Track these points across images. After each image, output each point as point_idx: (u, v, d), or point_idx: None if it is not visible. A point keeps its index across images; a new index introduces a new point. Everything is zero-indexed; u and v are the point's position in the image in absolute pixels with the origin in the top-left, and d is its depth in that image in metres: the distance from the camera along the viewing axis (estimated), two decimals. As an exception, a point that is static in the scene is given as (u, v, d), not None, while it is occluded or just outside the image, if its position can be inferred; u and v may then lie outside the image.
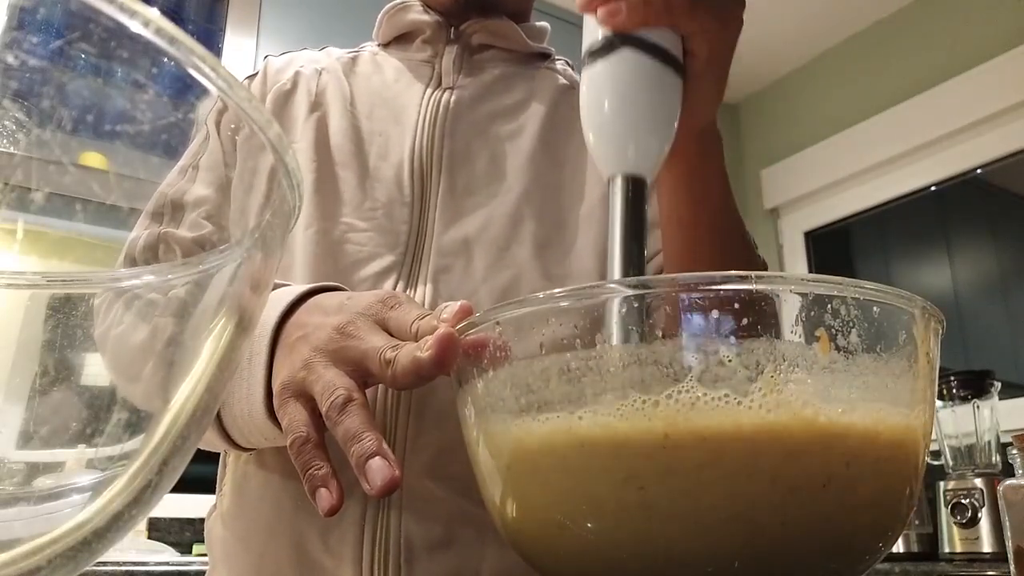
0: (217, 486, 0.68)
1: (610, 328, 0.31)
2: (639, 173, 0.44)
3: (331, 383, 0.44)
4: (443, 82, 0.73)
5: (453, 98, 0.71)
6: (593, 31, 0.46)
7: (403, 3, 0.77)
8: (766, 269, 0.68)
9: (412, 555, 0.57)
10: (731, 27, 0.49)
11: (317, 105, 0.71)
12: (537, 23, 0.80)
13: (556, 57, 0.80)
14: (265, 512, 0.60)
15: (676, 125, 0.46)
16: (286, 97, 0.72)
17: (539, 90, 0.75)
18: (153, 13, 0.18)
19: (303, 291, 0.52)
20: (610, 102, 0.45)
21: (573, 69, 0.80)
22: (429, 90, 0.72)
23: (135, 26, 0.18)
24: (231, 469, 0.65)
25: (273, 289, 0.54)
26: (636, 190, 0.44)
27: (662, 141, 0.46)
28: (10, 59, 0.20)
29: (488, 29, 0.75)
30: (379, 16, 0.78)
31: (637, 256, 0.43)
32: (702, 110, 0.51)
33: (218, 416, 0.53)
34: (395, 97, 0.72)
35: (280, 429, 0.47)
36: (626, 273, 0.42)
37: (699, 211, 0.58)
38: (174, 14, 1.97)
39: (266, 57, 0.78)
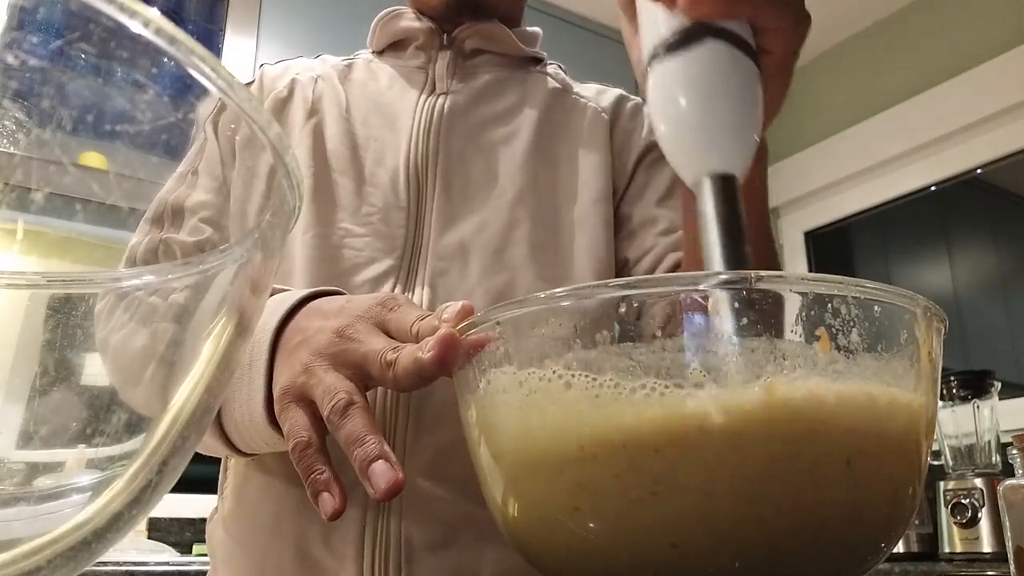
0: (219, 489, 0.68)
1: (612, 328, 0.31)
2: (730, 171, 0.40)
3: (332, 387, 0.44)
4: (437, 88, 0.74)
5: (447, 103, 0.72)
6: (659, 25, 0.43)
7: (395, 11, 0.78)
8: None
9: (413, 555, 0.57)
10: (804, 25, 0.47)
11: (313, 112, 0.72)
12: (529, 28, 0.81)
13: (548, 61, 0.81)
14: (267, 514, 0.61)
15: (762, 118, 0.43)
16: (283, 104, 0.73)
17: (532, 94, 0.75)
18: (153, 13, 0.18)
19: (302, 296, 0.52)
20: (697, 94, 0.41)
21: (565, 73, 0.81)
22: (423, 96, 0.73)
23: (135, 26, 0.18)
24: (232, 472, 0.65)
25: (273, 294, 0.55)
26: (729, 190, 0.40)
27: (753, 136, 0.42)
28: (10, 59, 0.20)
29: (481, 34, 0.76)
30: (372, 25, 0.79)
31: (744, 265, 0.38)
32: (769, 112, 0.49)
33: (219, 421, 0.53)
34: (390, 104, 0.73)
35: (281, 434, 0.47)
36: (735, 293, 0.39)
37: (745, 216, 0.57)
38: (174, 14, 1.97)
39: (262, 66, 0.79)
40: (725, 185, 0.40)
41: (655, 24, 0.43)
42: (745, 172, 0.42)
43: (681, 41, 0.42)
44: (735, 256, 0.38)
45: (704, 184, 0.40)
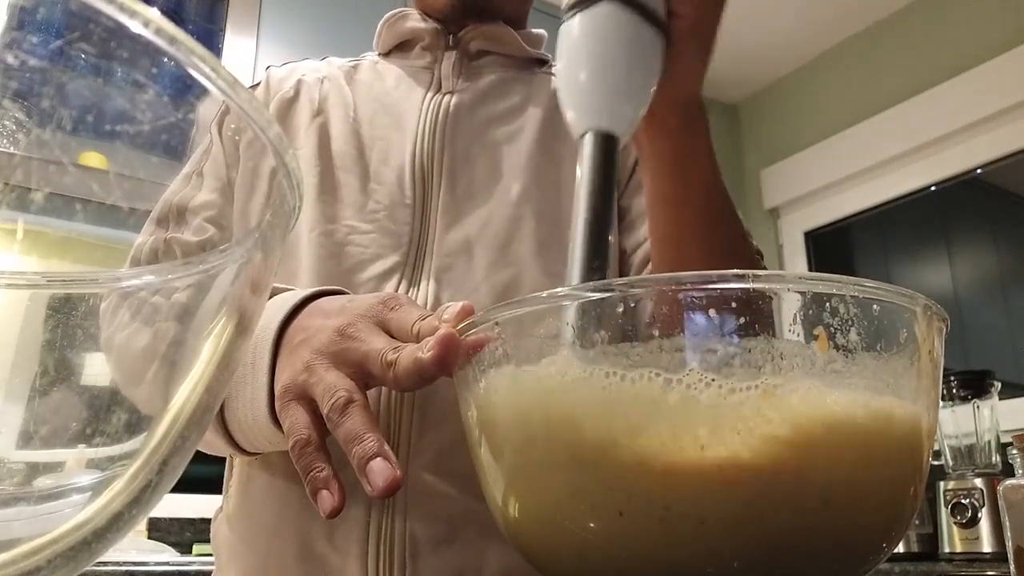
0: (223, 488, 0.68)
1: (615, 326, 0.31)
2: (611, 130, 0.42)
3: (332, 385, 0.44)
4: (443, 87, 0.75)
5: (453, 102, 0.73)
6: None
7: (402, 12, 0.79)
8: (760, 255, 0.67)
9: (417, 552, 0.57)
10: None
11: (319, 112, 0.72)
12: (534, 30, 0.82)
13: (552, 63, 0.81)
14: (271, 511, 0.61)
15: (654, 86, 0.45)
16: (289, 104, 0.73)
17: (536, 94, 0.76)
18: (153, 13, 0.18)
19: (305, 295, 0.53)
20: (586, 55, 0.44)
21: None
22: (429, 95, 0.74)
23: (135, 26, 0.18)
24: (237, 470, 0.66)
25: (276, 294, 0.55)
26: (607, 148, 0.42)
27: (639, 100, 0.44)
28: (10, 59, 0.20)
29: (486, 35, 0.76)
30: (379, 26, 0.80)
31: (604, 216, 0.41)
32: (685, 79, 0.50)
33: (223, 421, 0.54)
34: (395, 103, 0.74)
35: (283, 433, 0.47)
36: (593, 238, 0.40)
37: (686, 190, 0.56)
38: (174, 14, 1.97)
39: (268, 67, 0.79)
40: (605, 143, 0.42)
41: None
42: (628, 133, 0.44)
43: (580, 2, 0.44)
44: (599, 220, 0.40)
45: (586, 140, 0.43)
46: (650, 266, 0.64)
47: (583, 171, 0.42)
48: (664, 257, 0.59)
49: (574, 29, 0.44)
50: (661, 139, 0.54)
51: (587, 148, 0.42)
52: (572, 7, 0.45)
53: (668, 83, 0.46)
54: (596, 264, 0.40)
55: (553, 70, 0.80)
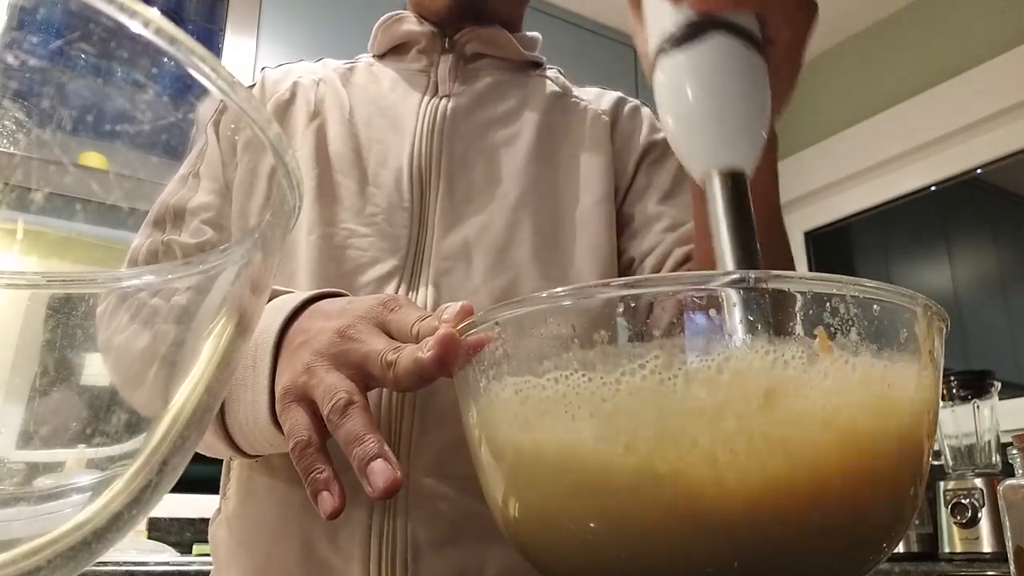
0: (221, 490, 0.68)
1: (615, 328, 0.31)
2: (738, 167, 0.40)
3: (332, 386, 0.44)
4: (439, 90, 0.75)
5: (450, 106, 0.73)
6: (665, 19, 0.43)
7: (397, 15, 0.78)
8: None
9: (419, 553, 0.57)
10: (812, 14, 0.46)
11: (316, 114, 0.72)
12: (529, 33, 0.82)
13: (547, 66, 0.81)
14: (272, 513, 0.61)
15: (769, 114, 0.42)
16: (285, 107, 0.73)
17: (532, 97, 0.76)
18: (153, 13, 0.18)
19: (305, 298, 0.53)
20: (704, 89, 0.41)
21: (565, 77, 0.81)
22: (426, 98, 0.74)
23: (135, 26, 0.18)
24: (236, 473, 0.66)
25: (275, 296, 0.55)
26: (737, 186, 0.40)
27: (761, 130, 0.41)
28: (10, 59, 0.20)
29: (482, 38, 0.77)
30: (374, 28, 0.80)
31: (753, 259, 0.38)
32: (778, 104, 0.48)
33: (223, 423, 0.54)
34: (392, 106, 0.74)
35: (283, 435, 0.47)
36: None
37: (755, 209, 0.57)
38: (174, 14, 1.97)
39: (263, 69, 0.79)
40: (734, 181, 0.40)
41: (661, 17, 0.43)
42: (754, 166, 0.41)
43: (687, 35, 0.41)
44: (745, 255, 0.37)
45: (713, 179, 0.40)
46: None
47: (717, 215, 0.39)
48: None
49: (684, 63, 0.42)
50: None
51: (716, 189, 0.40)
52: (676, 42, 0.42)
53: None
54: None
55: (549, 73, 0.80)
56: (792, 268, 0.62)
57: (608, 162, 0.73)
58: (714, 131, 0.41)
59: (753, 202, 0.55)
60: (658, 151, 0.77)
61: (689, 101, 0.41)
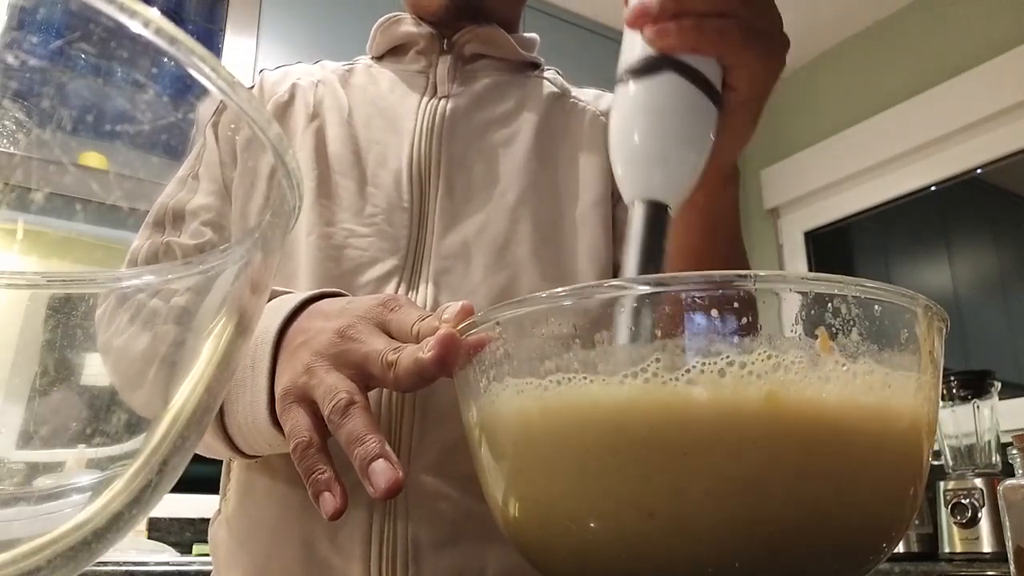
0: (220, 491, 0.68)
1: (618, 328, 0.31)
2: (663, 200, 0.42)
3: (333, 387, 0.44)
4: (438, 91, 0.75)
5: (449, 106, 0.73)
6: (634, 49, 0.44)
7: (395, 16, 0.79)
8: None
9: (419, 553, 0.57)
10: (775, 67, 0.48)
11: (315, 116, 0.72)
12: (527, 34, 0.82)
13: (546, 67, 0.82)
14: (272, 513, 0.61)
15: (707, 159, 0.44)
16: (284, 108, 0.73)
17: (530, 98, 0.76)
18: (153, 13, 0.18)
19: (304, 298, 0.53)
20: (644, 123, 0.43)
21: (563, 77, 0.81)
22: (425, 99, 0.74)
23: (135, 26, 0.18)
24: (236, 473, 0.66)
25: (275, 297, 0.55)
26: (657, 217, 0.42)
27: (692, 172, 0.44)
28: (10, 59, 0.20)
29: (480, 38, 0.77)
30: (372, 30, 0.80)
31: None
32: (731, 147, 0.51)
33: (223, 424, 0.54)
34: (391, 107, 0.74)
35: (283, 435, 0.47)
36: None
37: (711, 242, 0.59)
38: (174, 14, 1.97)
39: (261, 71, 0.79)
40: (655, 213, 0.42)
41: (631, 46, 0.45)
42: (679, 203, 0.43)
43: (642, 69, 0.44)
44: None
45: (636, 208, 0.42)
46: None
47: (631, 240, 0.41)
48: None
49: (633, 95, 0.44)
50: (696, 193, 0.54)
51: (637, 217, 0.42)
52: (633, 73, 0.44)
53: (716, 150, 0.46)
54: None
55: (547, 73, 0.80)
56: None
57: (606, 162, 0.74)
58: (645, 164, 0.43)
59: (712, 235, 0.58)
60: None
61: (627, 131, 0.43)
